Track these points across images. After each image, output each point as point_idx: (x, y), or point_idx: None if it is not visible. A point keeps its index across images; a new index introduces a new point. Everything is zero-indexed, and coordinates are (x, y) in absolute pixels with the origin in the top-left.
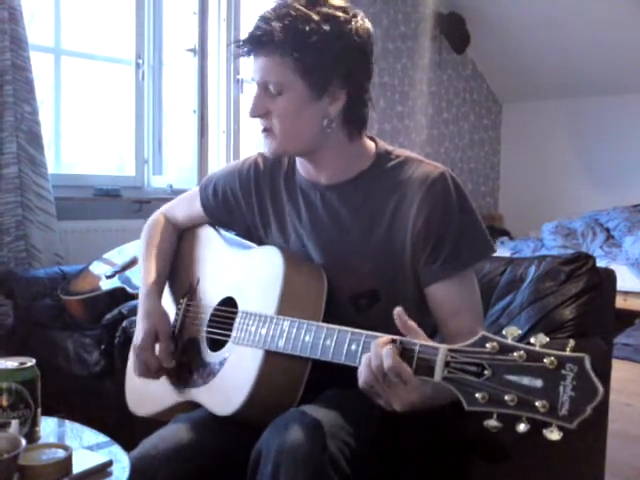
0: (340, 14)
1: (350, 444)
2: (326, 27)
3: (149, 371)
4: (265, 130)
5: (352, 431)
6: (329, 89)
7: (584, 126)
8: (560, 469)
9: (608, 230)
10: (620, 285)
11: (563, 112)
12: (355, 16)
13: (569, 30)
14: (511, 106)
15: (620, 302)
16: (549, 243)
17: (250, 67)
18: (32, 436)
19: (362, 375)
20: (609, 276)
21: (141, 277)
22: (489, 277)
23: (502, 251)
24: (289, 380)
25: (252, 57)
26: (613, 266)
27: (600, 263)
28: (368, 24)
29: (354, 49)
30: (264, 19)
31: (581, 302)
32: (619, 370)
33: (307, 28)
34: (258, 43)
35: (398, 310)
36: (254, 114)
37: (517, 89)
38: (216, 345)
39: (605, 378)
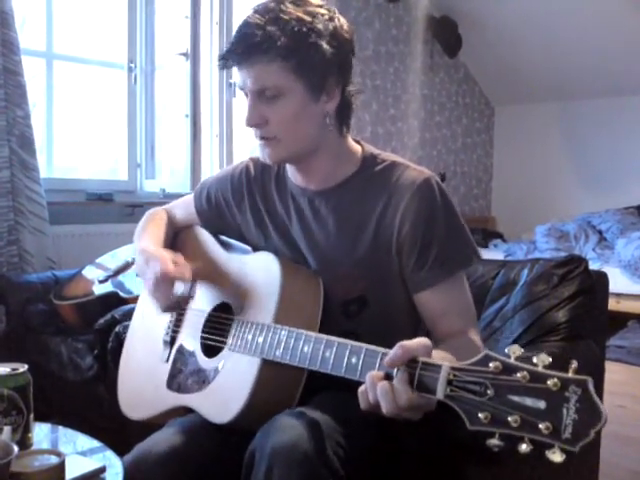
0: (324, 11)
1: (344, 445)
2: (319, 25)
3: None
4: (264, 138)
5: (346, 432)
6: (326, 87)
7: (576, 129)
8: (554, 472)
9: (601, 232)
10: (613, 287)
11: (555, 115)
12: (335, 12)
13: (561, 34)
14: (503, 109)
15: (613, 304)
16: (542, 246)
17: (238, 75)
18: (24, 442)
19: (385, 412)
20: (602, 278)
21: (136, 243)
22: (482, 280)
23: (495, 254)
24: (285, 388)
25: (240, 68)
26: (606, 268)
27: (593, 265)
28: (345, 20)
29: (344, 44)
30: (256, 26)
31: (574, 304)
32: (612, 372)
33: (304, 29)
34: (258, 50)
35: (386, 362)
36: (252, 123)
37: (509, 92)
38: (210, 351)
39: (598, 380)
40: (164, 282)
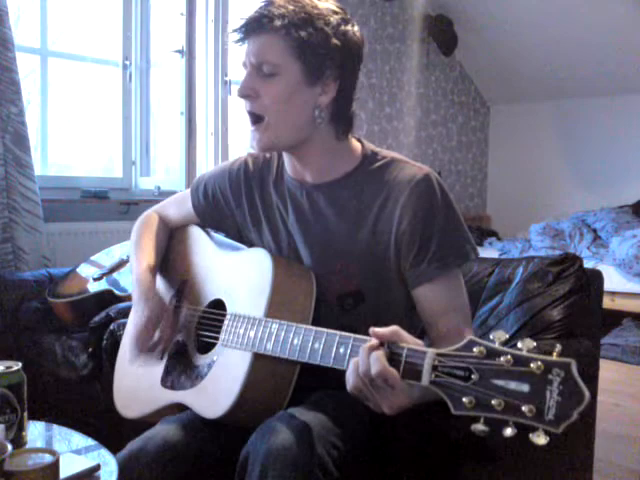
0: (341, 12)
1: (338, 446)
2: (331, 18)
3: (155, 346)
4: (255, 121)
5: (340, 433)
6: (322, 78)
7: (571, 128)
8: (549, 469)
9: (595, 231)
10: (607, 286)
11: (550, 114)
12: (352, 20)
13: (556, 32)
14: (499, 108)
15: (607, 302)
16: (537, 244)
17: (243, 50)
18: (18, 441)
19: (350, 380)
20: (596, 277)
21: (133, 265)
22: (477, 278)
23: (490, 252)
24: (277, 383)
25: (246, 42)
26: (600, 267)
27: (587, 264)
28: (361, 34)
29: (351, 46)
30: (274, 3)
31: (569, 303)
32: (607, 370)
33: (316, 12)
34: (266, 20)
35: (371, 330)
36: (243, 93)
37: (505, 91)
38: (205, 347)
39: (593, 378)
40: (146, 329)
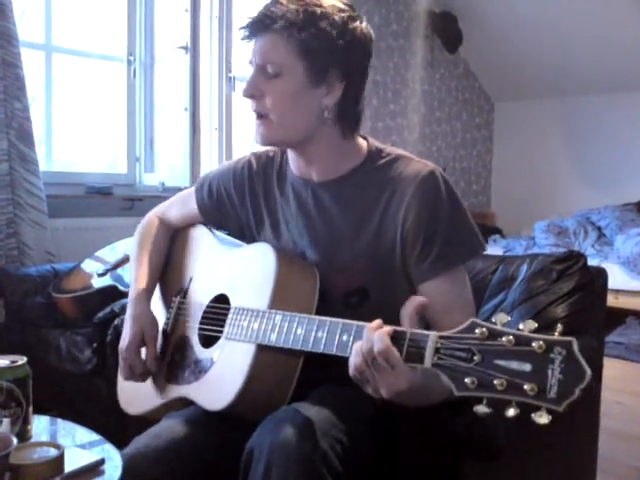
0: (347, 9)
1: (342, 441)
2: (336, 17)
3: (133, 374)
4: (260, 116)
5: (344, 428)
6: (327, 78)
7: (576, 125)
8: (551, 467)
9: (600, 229)
10: (611, 283)
11: (555, 111)
12: (361, 16)
13: (561, 29)
14: (503, 105)
15: (611, 300)
16: (541, 241)
17: (249, 50)
18: (23, 435)
19: (352, 362)
20: (600, 274)
21: (131, 279)
22: (481, 275)
23: (494, 249)
24: (281, 375)
25: (253, 40)
26: (604, 265)
27: (592, 262)
28: (371, 30)
29: (357, 45)
30: (276, 2)
31: (573, 300)
32: (610, 368)
33: (319, 12)
34: (269, 21)
35: (422, 300)
36: (248, 93)
37: (509, 88)
38: (208, 342)
39: (597, 376)
40: (127, 351)
